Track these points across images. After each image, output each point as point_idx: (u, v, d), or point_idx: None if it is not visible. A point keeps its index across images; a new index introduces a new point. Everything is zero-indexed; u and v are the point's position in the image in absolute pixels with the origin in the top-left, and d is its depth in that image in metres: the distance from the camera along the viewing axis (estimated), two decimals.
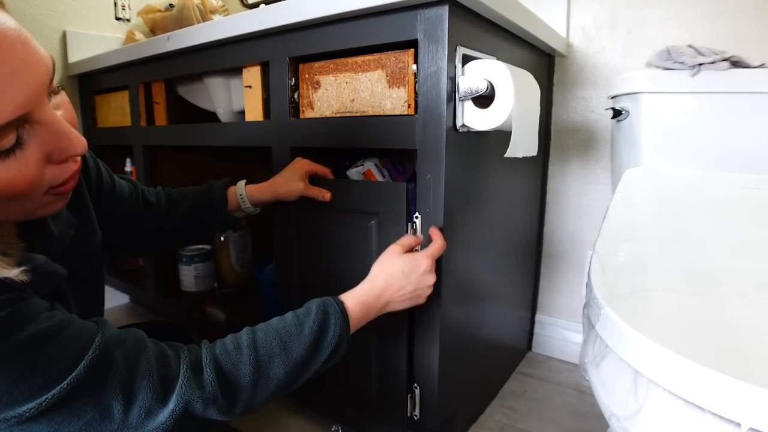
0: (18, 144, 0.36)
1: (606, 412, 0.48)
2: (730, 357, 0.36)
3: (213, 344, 0.51)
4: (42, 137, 0.38)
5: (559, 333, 1.24)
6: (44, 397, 0.38)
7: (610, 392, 0.45)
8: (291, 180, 0.82)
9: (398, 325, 0.76)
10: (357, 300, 0.61)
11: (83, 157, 0.50)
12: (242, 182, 0.84)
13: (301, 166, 0.84)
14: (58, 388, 0.39)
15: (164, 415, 0.43)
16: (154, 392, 0.43)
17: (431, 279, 0.66)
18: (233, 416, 0.48)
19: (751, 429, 0.32)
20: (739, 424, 0.32)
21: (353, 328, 0.59)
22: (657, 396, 0.38)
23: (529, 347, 1.28)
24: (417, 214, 0.73)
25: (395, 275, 0.63)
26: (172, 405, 0.44)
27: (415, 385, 0.79)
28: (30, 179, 0.37)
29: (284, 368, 0.52)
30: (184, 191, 0.82)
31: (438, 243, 0.68)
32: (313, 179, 0.84)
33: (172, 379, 0.45)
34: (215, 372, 0.47)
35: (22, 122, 0.36)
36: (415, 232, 0.73)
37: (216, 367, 0.48)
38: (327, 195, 0.81)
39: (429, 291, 0.67)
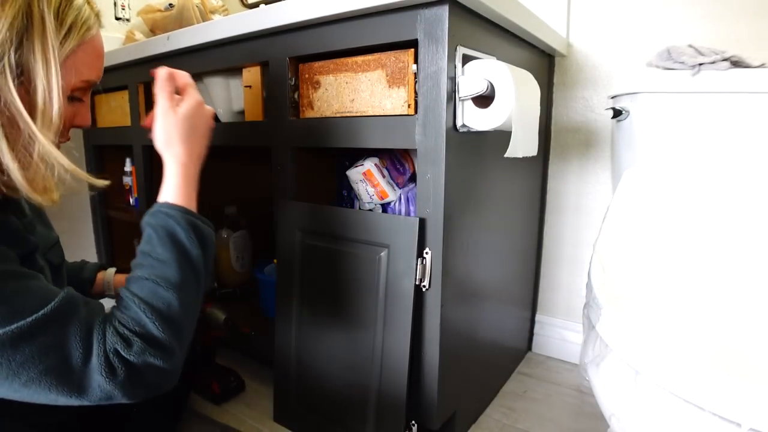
0: (81, 99, 0.58)
1: (606, 412, 0.48)
2: (731, 357, 0.36)
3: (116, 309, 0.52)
4: (82, 107, 0.59)
5: (559, 333, 1.24)
6: (6, 329, 0.41)
7: (610, 392, 0.45)
8: None
9: (399, 357, 0.77)
10: (172, 186, 0.59)
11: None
12: (112, 270, 0.87)
13: None
14: (22, 322, 0.42)
15: (122, 368, 0.46)
16: (110, 344, 0.46)
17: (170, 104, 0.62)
18: (166, 330, 0.49)
19: (751, 429, 0.32)
20: (739, 425, 0.32)
21: (184, 198, 0.58)
22: (657, 396, 0.38)
23: (529, 347, 1.28)
24: (427, 249, 0.73)
25: (164, 132, 0.61)
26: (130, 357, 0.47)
27: (413, 422, 0.79)
28: (85, 122, 0.60)
29: (178, 295, 0.52)
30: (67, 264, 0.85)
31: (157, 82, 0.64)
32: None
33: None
34: (142, 304, 0.50)
35: (87, 88, 0.57)
36: (424, 267, 0.74)
37: (140, 302, 0.50)
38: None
39: (190, 104, 0.62)
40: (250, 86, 0.94)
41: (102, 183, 0.55)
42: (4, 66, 0.46)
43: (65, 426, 0.67)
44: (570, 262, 1.21)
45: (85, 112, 0.60)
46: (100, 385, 0.46)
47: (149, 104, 1.21)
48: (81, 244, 1.46)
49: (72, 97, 0.56)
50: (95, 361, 0.45)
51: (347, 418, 0.84)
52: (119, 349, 0.46)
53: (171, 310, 0.50)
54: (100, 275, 0.86)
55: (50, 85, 0.49)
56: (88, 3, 0.56)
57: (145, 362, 0.47)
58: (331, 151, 0.99)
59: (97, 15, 0.57)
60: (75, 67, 0.53)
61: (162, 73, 0.62)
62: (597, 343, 0.48)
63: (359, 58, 0.76)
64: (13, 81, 0.46)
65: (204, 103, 0.64)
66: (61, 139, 0.59)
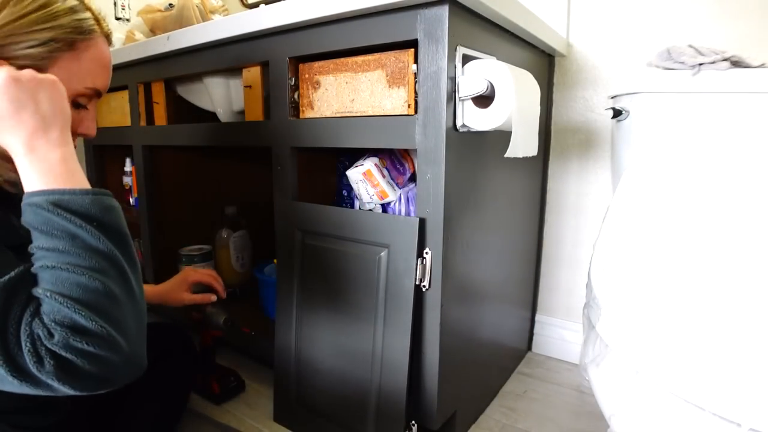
0: (85, 107, 0.60)
1: (606, 412, 0.48)
2: (731, 357, 0.36)
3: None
4: (86, 115, 0.61)
5: (559, 333, 1.24)
6: None
7: (610, 392, 0.45)
8: (178, 290, 0.97)
9: (399, 359, 0.77)
10: (28, 174, 0.49)
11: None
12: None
13: (186, 277, 0.99)
14: None
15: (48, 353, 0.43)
16: (35, 330, 0.43)
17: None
18: (94, 316, 0.45)
19: (751, 429, 0.32)
20: (739, 425, 0.32)
21: (45, 177, 0.48)
22: (657, 396, 0.38)
23: (529, 347, 1.28)
24: (427, 249, 0.73)
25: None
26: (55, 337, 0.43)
27: (413, 422, 0.79)
28: (89, 132, 0.63)
29: (95, 277, 0.46)
30: None
31: None
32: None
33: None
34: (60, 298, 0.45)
35: (91, 96, 0.60)
36: (424, 267, 0.74)
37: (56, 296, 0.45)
38: (212, 297, 0.99)
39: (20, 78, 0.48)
40: (250, 86, 0.94)
41: None
42: None
43: (58, 427, 0.66)
44: (570, 262, 1.21)
45: (89, 121, 0.61)
46: (33, 374, 0.43)
47: (149, 104, 1.21)
48: None
49: (77, 104, 0.58)
50: (24, 347, 0.43)
51: (347, 418, 0.84)
52: (42, 337, 0.43)
53: (85, 292, 0.45)
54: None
55: None
56: (99, 23, 0.58)
57: (75, 351, 0.43)
58: (331, 151, 0.99)
59: (107, 35, 0.60)
60: (79, 72, 0.55)
61: None
62: (597, 343, 0.48)
63: (359, 58, 0.76)
64: None
65: (15, 71, 0.48)
66: None
